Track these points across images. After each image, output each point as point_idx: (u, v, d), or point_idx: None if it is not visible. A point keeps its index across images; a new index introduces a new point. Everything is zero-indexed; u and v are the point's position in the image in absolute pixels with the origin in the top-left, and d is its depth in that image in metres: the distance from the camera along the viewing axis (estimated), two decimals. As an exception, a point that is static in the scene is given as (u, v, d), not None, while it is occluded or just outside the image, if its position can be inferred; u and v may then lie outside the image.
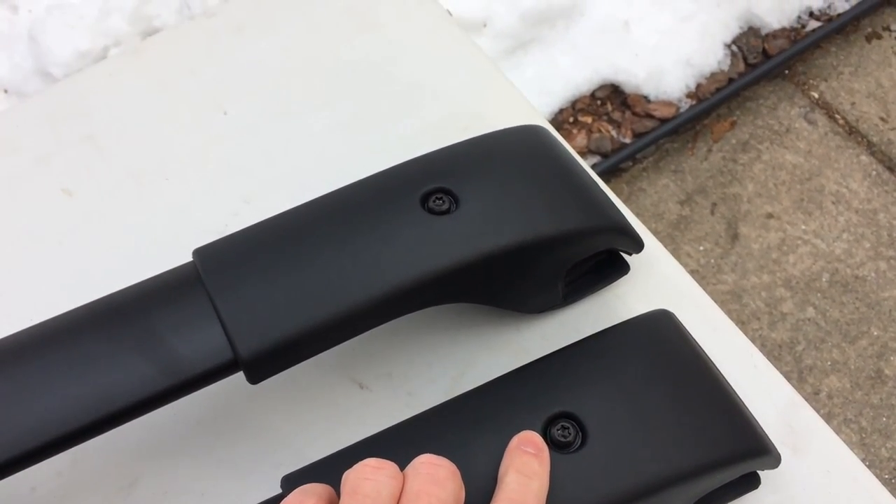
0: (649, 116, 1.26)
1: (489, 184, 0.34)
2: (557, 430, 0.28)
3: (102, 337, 0.30)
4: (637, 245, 0.37)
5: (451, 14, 0.52)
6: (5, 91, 1.29)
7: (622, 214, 0.37)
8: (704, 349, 0.34)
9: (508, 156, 0.37)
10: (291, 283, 0.31)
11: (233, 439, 0.35)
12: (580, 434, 0.29)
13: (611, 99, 1.29)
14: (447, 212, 0.33)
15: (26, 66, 1.28)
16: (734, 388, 0.33)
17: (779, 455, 0.32)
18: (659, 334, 0.33)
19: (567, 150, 0.39)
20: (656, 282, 0.39)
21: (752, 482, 0.33)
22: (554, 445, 0.29)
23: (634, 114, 1.27)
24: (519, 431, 0.28)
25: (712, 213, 1.18)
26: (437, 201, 0.33)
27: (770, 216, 1.18)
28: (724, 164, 1.24)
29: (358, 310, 0.30)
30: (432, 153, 0.36)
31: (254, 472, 0.34)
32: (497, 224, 0.33)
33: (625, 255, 0.38)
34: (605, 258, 0.38)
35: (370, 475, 0.25)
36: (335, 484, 0.26)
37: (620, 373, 0.31)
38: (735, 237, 1.16)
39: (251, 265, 0.32)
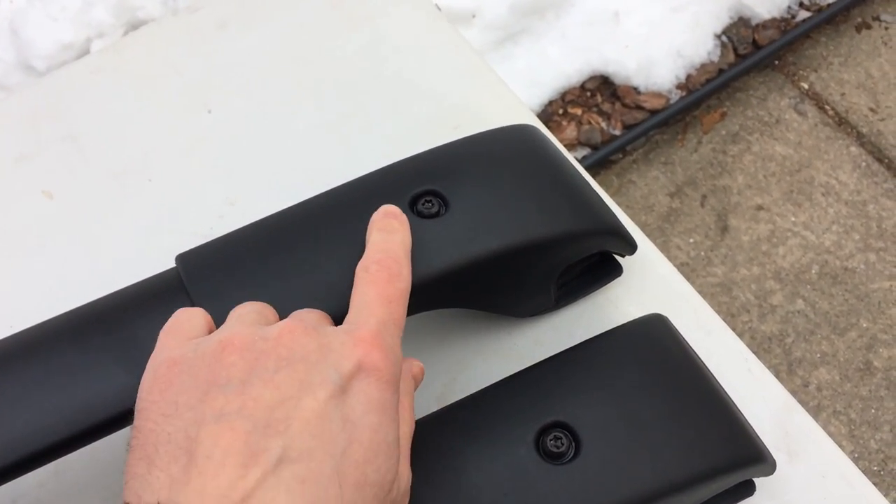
0: (639, 108, 1.26)
1: (479, 186, 0.34)
2: (550, 440, 0.28)
3: (83, 346, 0.29)
4: (630, 247, 0.36)
5: (439, 8, 0.52)
6: (-14, 84, 1.27)
7: (615, 216, 0.36)
8: (698, 352, 0.34)
9: (499, 156, 0.36)
10: (276, 290, 0.30)
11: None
12: (573, 444, 0.28)
13: (601, 90, 1.28)
14: (436, 215, 0.32)
15: (8, 59, 1.26)
16: (728, 392, 0.33)
17: (774, 462, 0.31)
18: (653, 339, 0.33)
19: (558, 150, 0.38)
20: (650, 284, 0.38)
21: (747, 489, 0.32)
22: (547, 456, 0.28)
23: (624, 105, 1.26)
24: (511, 442, 0.28)
25: (702, 205, 1.18)
26: (427, 204, 0.33)
27: (760, 208, 1.18)
28: (714, 155, 1.24)
29: (340, 317, 0.30)
30: (421, 154, 0.35)
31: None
32: (487, 227, 0.32)
33: (618, 257, 0.38)
34: (598, 260, 0.38)
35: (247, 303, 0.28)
36: None
37: (614, 380, 0.30)
38: (725, 229, 1.16)
39: (235, 271, 0.31)
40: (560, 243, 0.33)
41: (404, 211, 0.32)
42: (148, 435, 0.24)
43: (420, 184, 0.33)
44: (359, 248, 0.31)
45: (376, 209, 0.32)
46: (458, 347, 0.37)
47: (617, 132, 1.25)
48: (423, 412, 0.33)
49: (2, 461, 0.27)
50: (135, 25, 1.28)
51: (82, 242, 0.41)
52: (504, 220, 0.32)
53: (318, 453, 0.23)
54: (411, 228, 0.32)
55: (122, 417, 0.28)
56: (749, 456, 0.31)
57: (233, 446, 0.22)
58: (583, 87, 1.28)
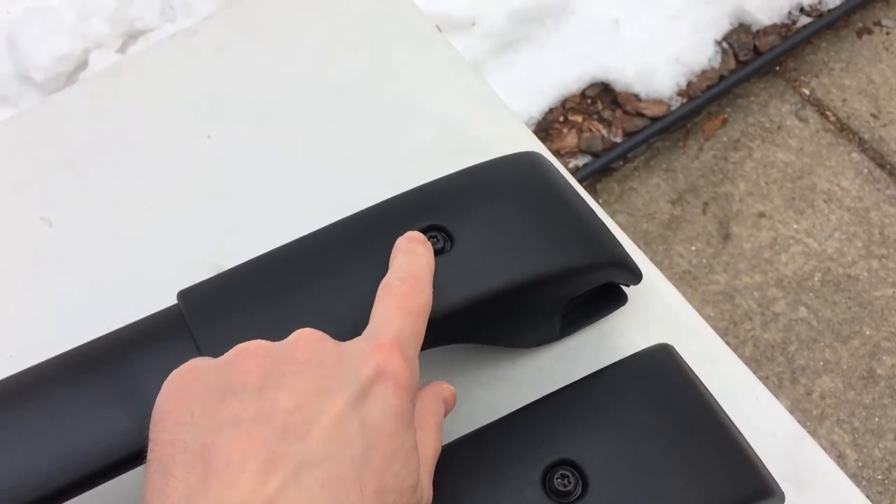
0: (640, 115, 1.26)
1: (485, 220, 0.33)
2: (557, 478, 0.28)
3: (82, 389, 0.29)
4: (636, 277, 0.36)
5: (440, 30, 0.51)
6: (-16, 96, 1.27)
7: (621, 246, 0.36)
8: (705, 381, 0.33)
9: (504, 188, 0.35)
10: (280, 329, 0.30)
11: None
12: (580, 482, 0.28)
13: (601, 98, 1.28)
14: (441, 251, 0.32)
15: (5, 71, 1.26)
16: (736, 421, 0.33)
17: (783, 495, 0.31)
18: (659, 372, 0.32)
19: (563, 179, 0.38)
20: (655, 312, 0.38)
21: (756, 523, 0.32)
22: (554, 495, 0.28)
23: (625, 112, 1.26)
24: (517, 481, 0.28)
25: (704, 212, 1.18)
26: (432, 239, 0.32)
27: (762, 215, 1.18)
28: (715, 162, 1.24)
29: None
30: (424, 187, 0.35)
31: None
32: (494, 264, 0.32)
33: (622, 286, 0.37)
34: (603, 289, 0.37)
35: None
36: None
37: (620, 416, 0.30)
38: (727, 237, 1.16)
39: (237, 309, 0.30)
40: (567, 277, 0.33)
41: (408, 245, 0.32)
42: (164, 445, 0.23)
43: (425, 219, 0.33)
44: (362, 284, 0.30)
45: (381, 245, 0.32)
46: (461, 378, 0.36)
47: (618, 139, 1.24)
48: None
49: None
50: (133, 36, 1.28)
51: (82, 269, 0.40)
52: (511, 256, 0.32)
53: (338, 458, 0.23)
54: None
55: (125, 462, 0.27)
56: (757, 490, 0.30)
57: (251, 452, 0.22)
58: (583, 94, 1.28)
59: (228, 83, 0.47)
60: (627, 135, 1.24)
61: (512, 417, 0.30)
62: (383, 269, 0.31)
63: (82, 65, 1.23)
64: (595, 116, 1.26)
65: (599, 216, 0.38)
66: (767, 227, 1.17)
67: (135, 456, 0.28)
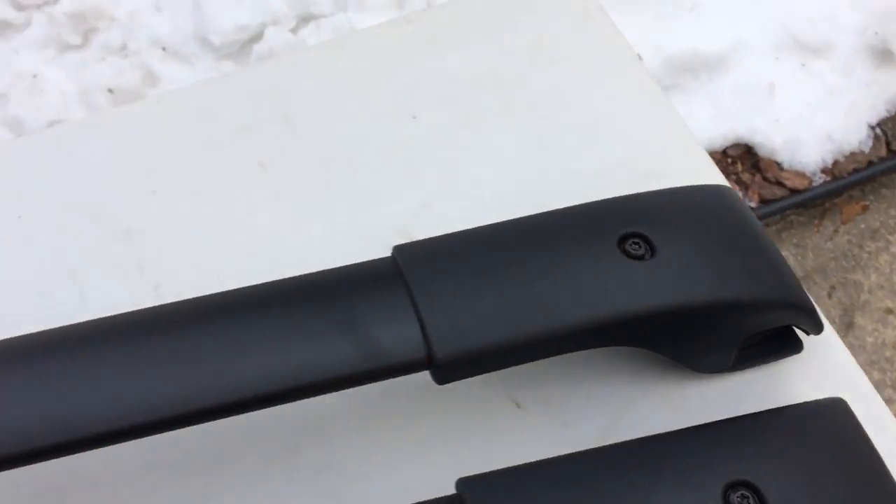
0: (779, 184, 1.23)
1: (685, 237, 0.35)
2: (737, 497, 0.28)
3: (307, 311, 0.32)
4: (817, 326, 0.37)
5: (641, 58, 0.53)
6: (163, 49, 1.37)
7: (806, 293, 0.37)
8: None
9: (703, 213, 0.37)
10: (488, 296, 0.32)
11: (390, 442, 0.36)
12: (759, 506, 0.29)
13: (742, 159, 1.26)
14: (642, 258, 0.34)
15: (186, 30, 1.36)
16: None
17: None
18: (835, 424, 0.33)
19: (754, 218, 0.39)
20: (827, 367, 0.38)
21: None
22: (732, 513, 0.29)
23: (765, 178, 1.24)
24: (698, 490, 0.28)
25: (829, 296, 1.14)
26: (634, 245, 0.34)
27: (889, 312, 1.13)
28: (849, 247, 1.20)
29: (550, 336, 0.31)
30: (629, 196, 0.37)
31: (398, 478, 0.35)
32: (693, 279, 0.33)
33: (800, 334, 0.38)
34: (779, 333, 0.38)
35: None
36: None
37: (798, 454, 0.31)
38: (850, 326, 1.11)
39: (450, 271, 0.33)
40: (759, 309, 0.34)
41: (611, 248, 0.34)
42: None
43: (630, 225, 0.34)
44: (571, 270, 0.32)
45: (588, 240, 0.33)
46: (627, 385, 0.37)
47: (753, 204, 1.22)
48: (586, 440, 0.34)
49: (237, 395, 0.29)
50: (306, 20, 1.36)
51: (290, 213, 0.44)
52: (709, 276, 0.33)
53: None
54: (617, 267, 0.33)
55: (341, 382, 0.30)
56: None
57: None
58: (725, 152, 1.27)
59: (436, 71, 0.51)
60: (763, 201, 1.22)
61: (691, 431, 0.31)
62: (587, 263, 0.33)
63: (257, 37, 1.32)
64: (733, 177, 1.24)
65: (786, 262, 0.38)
66: (894, 326, 1.12)
67: (347, 379, 0.30)
